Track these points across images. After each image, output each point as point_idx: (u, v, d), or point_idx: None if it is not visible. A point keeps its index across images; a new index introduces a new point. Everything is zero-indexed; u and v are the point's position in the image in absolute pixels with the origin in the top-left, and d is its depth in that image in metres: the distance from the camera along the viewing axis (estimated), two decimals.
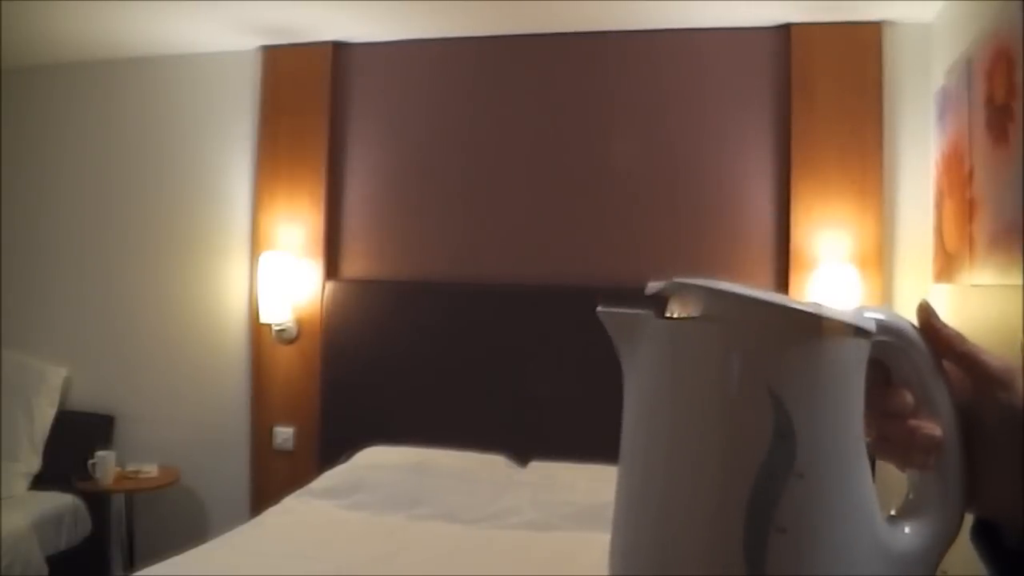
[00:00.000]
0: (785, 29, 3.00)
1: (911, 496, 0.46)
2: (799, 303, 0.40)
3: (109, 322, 3.52)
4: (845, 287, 2.77)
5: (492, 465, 2.81)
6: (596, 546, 2.51)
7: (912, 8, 2.83)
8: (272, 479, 3.20)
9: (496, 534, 2.42)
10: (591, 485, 2.62)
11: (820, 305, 0.40)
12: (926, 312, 0.46)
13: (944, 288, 2.67)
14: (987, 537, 0.46)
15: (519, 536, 2.40)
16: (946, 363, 0.46)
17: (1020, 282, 1.89)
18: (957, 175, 2.48)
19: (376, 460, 2.87)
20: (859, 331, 0.41)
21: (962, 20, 2.52)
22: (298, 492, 2.73)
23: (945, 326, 0.46)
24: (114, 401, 3.47)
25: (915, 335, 0.45)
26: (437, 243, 3.28)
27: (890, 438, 0.45)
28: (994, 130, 2.12)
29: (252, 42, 3.36)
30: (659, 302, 0.44)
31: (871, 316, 0.43)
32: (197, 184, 3.48)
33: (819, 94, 2.94)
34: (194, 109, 3.50)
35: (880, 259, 2.88)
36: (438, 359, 3.12)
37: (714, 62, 3.10)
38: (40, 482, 3.24)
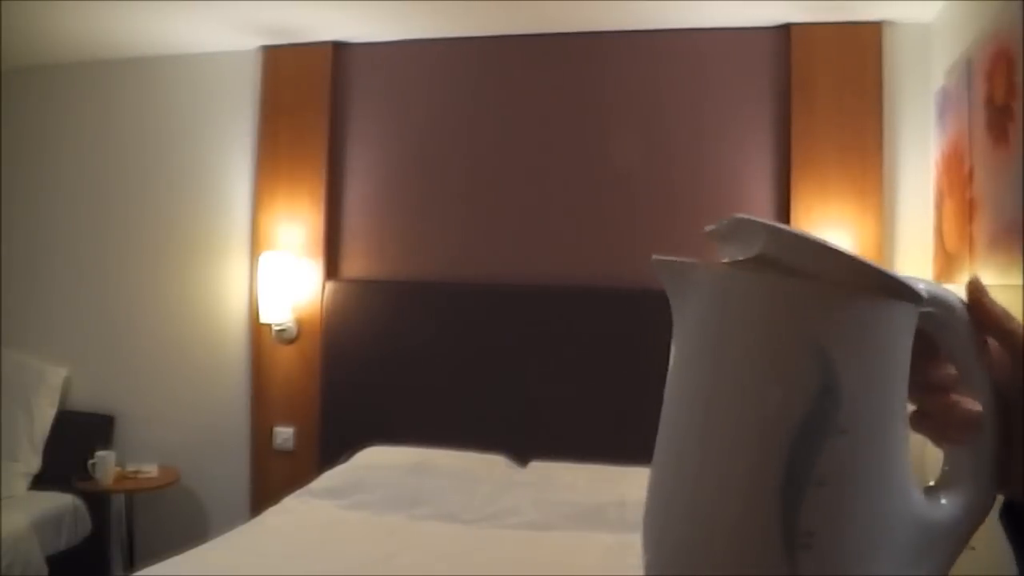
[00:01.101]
0: (785, 29, 3.00)
1: (946, 470, 0.46)
2: (859, 256, 0.39)
3: (109, 322, 3.52)
4: None
5: (492, 465, 2.81)
6: (596, 546, 2.51)
7: (912, 8, 2.83)
8: (272, 479, 3.20)
9: (496, 534, 2.42)
10: (591, 485, 2.62)
11: (876, 262, 0.40)
12: (977, 288, 0.46)
13: None
14: (1015, 518, 0.47)
15: (519, 536, 2.40)
16: (991, 342, 0.45)
17: (1020, 282, 1.89)
18: (957, 175, 2.48)
19: (376, 460, 2.87)
20: (912, 295, 0.41)
21: (962, 20, 2.52)
22: (298, 492, 2.73)
23: (994, 303, 0.45)
24: (114, 401, 3.47)
25: (963, 310, 0.45)
26: (437, 243, 3.28)
27: (929, 411, 0.46)
28: (994, 130, 2.12)
29: (252, 42, 3.36)
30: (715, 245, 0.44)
31: (921, 286, 0.43)
32: (197, 184, 3.48)
33: (819, 94, 2.94)
34: (194, 109, 3.50)
35: (880, 259, 2.87)
36: (438, 359, 3.12)
37: (714, 62, 3.10)
38: (40, 482, 3.24)
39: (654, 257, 0.44)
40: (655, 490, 0.44)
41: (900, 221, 2.93)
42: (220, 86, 3.48)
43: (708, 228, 0.44)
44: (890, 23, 2.92)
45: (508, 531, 2.44)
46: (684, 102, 3.12)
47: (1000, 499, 0.48)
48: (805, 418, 0.38)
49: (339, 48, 3.35)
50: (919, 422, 0.46)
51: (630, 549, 2.26)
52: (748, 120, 3.06)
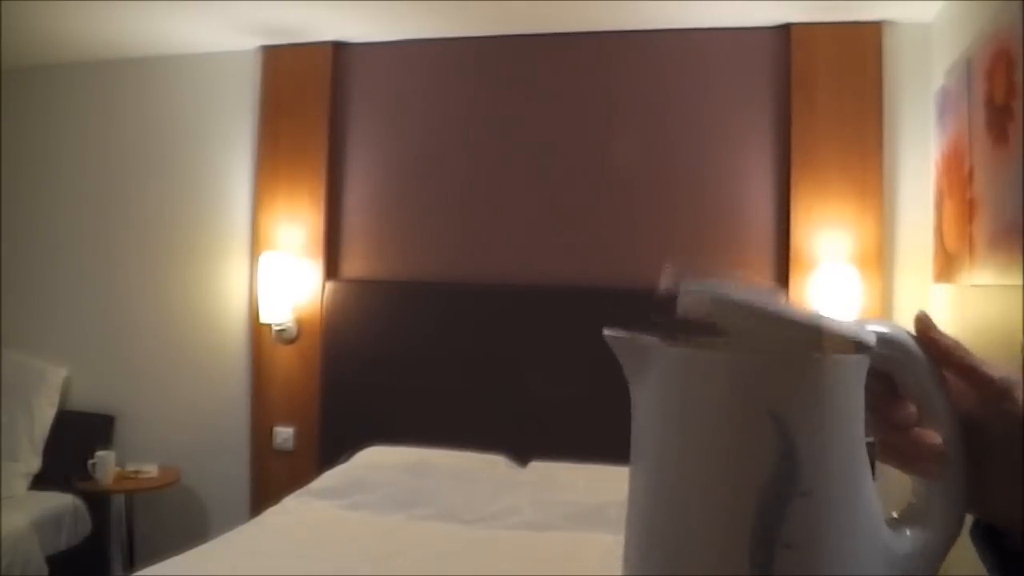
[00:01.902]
0: (785, 29, 3.00)
1: (914, 501, 0.47)
2: (802, 316, 0.41)
3: (109, 322, 3.52)
4: (845, 287, 2.77)
5: (492, 465, 2.81)
6: (596, 546, 2.51)
7: (912, 8, 2.82)
8: (272, 479, 3.20)
9: (496, 534, 2.42)
10: (591, 485, 2.62)
11: (821, 317, 0.41)
12: (924, 323, 0.47)
13: (944, 288, 2.67)
14: (987, 537, 0.47)
15: (519, 536, 2.40)
16: (946, 372, 0.46)
17: (1020, 282, 1.89)
18: (957, 175, 2.48)
19: (376, 460, 2.87)
20: (860, 346, 0.42)
21: (962, 20, 2.52)
22: (298, 492, 2.73)
23: (944, 336, 0.46)
24: (114, 401, 3.47)
25: (915, 347, 0.46)
26: (437, 243, 3.28)
27: (894, 447, 0.46)
28: (994, 130, 2.12)
29: (252, 42, 3.36)
30: (668, 302, 0.46)
31: (871, 329, 0.44)
32: (197, 184, 3.48)
33: (819, 94, 2.94)
34: (194, 109, 3.50)
35: (880, 259, 2.88)
36: (438, 359, 3.12)
37: (714, 62, 3.10)
38: (40, 482, 3.24)
39: (605, 333, 0.47)
40: (629, 552, 0.45)
41: (900, 221, 2.93)
42: (220, 86, 3.48)
43: (662, 285, 0.46)
44: (890, 23, 2.92)
45: (508, 531, 2.44)
46: (684, 102, 3.12)
47: (971, 519, 0.48)
48: (768, 484, 0.40)
49: (339, 48, 3.35)
50: (886, 456, 0.46)
51: None
52: (748, 120, 3.06)
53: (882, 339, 0.44)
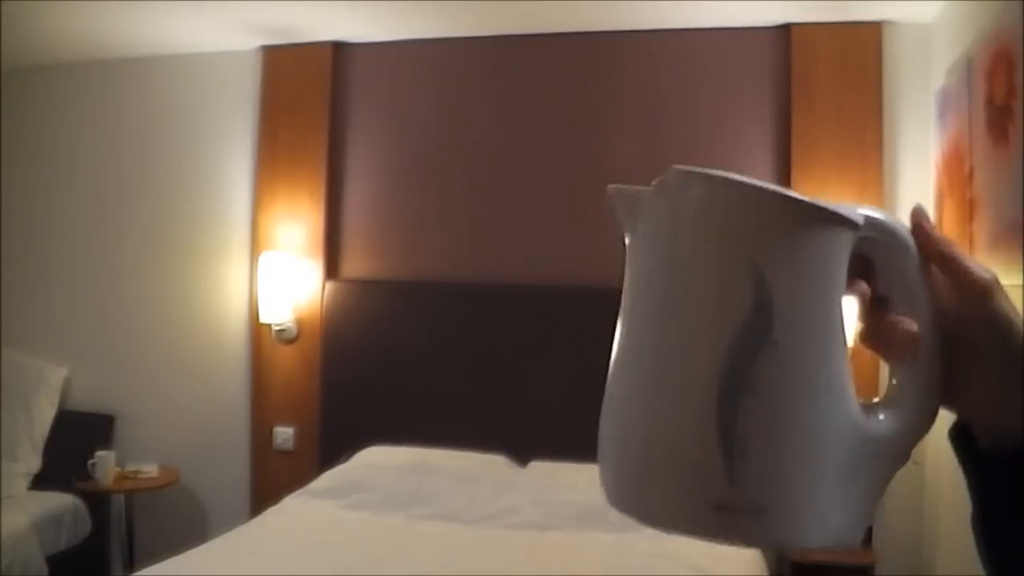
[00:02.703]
0: (785, 29, 3.00)
1: (891, 386, 0.49)
2: (790, 191, 0.42)
3: (109, 322, 3.52)
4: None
5: (492, 465, 2.81)
6: (596, 546, 2.51)
7: (912, 8, 2.82)
8: (272, 479, 3.20)
9: (496, 534, 2.42)
10: (591, 485, 2.61)
11: (812, 198, 0.43)
12: (920, 214, 0.49)
13: None
14: (964, 439, 0.49)
15: (519, 536, 2.40)
16: (933, 269, 0.48)
17: (1020, 282, 1.89)
18: (957, 175, 2.48)
19: (376, 460, 2.87)
20: (848, 223, 0.43)
21: (962, 20, 2.52)
22: (298, 492, 2.73)
23: (935, 229, 0.48)
24: (114, 401, 3.47)
25: (906, 234, 0.48)
26: (437, 243, 3.28)
27: (871, 330, 0.48)
28: (994, 130, 2.12)
29: (252, 42, 3.36)
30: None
31: (864, 212, 0.45)
32: (197, 184, 3.48)
33: (819, 94, 2.94)
34: (194, 109, 3.50)
35: None
36: (438, 359, 3.12)
37: (714, 62, 3.10)
38: (40, 482, 3.24)
39: (610, 187, 0.49)
40: (609, 399, 0.48)
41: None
42: (220, 86, 3.48)
43: (654, 183, 0.48)
44: (890, 23, 2.92)
45: (508, 531, 2.44)
46: (685, 102, 3.12)
47: (951, 420, 0.49)
48: (739, 331, 0.41)
49: (339, 48, 3.35)
50: (865, 339, 0.48)
51: (630, 549, 2.26)
52: (748, 120, 3.06)
53: (870, 222, 0.46)
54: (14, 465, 3.21)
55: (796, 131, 2.96)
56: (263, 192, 3.37)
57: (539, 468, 2.81)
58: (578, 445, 2.91)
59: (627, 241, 0.48)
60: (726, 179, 0.44)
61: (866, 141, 2.91)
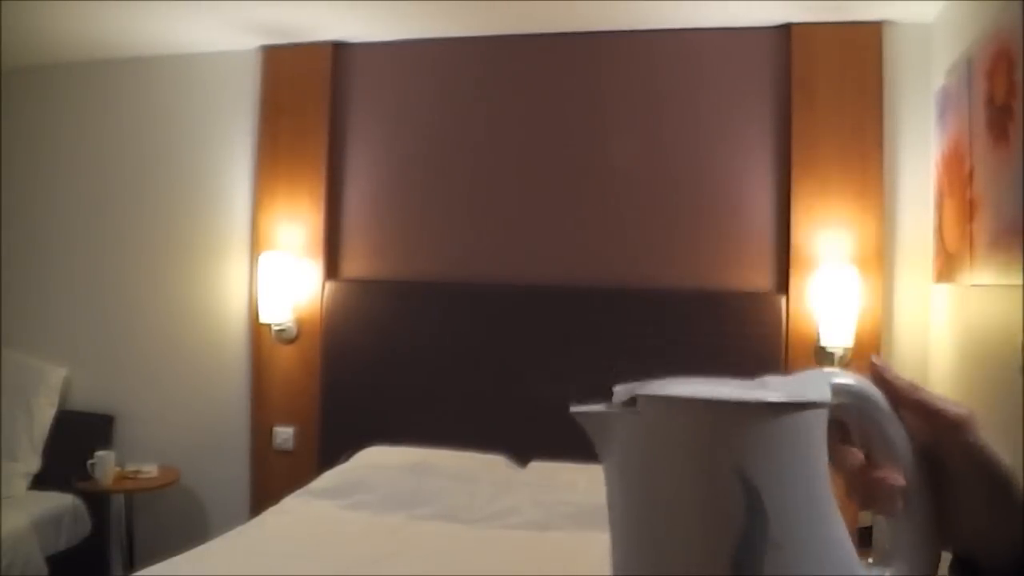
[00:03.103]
0: (785, 29, 3.00)
1: (887, 542, 0.48)
2: (751, 393, 0.42)
3: (109, 322, 3.52)
4: (845, 287, 2.77)
5: (492, 465, 2.81)
6: (596, 546, 2.51)
7: (912, 8, 2.82)
8: (272, 479, 3.20)
9: (496, 534, 2.42)
10: (591, 485, 2.62)
11: (773, 387, 0.43)
12: (877, 368, 0.49)
13: (944, 288, 2.67)
14: (965, 571, 0.48)
15: (519, 536, 2.40)
16: (904, 412, 0.48)
17: (1020, 282, 1.89)
18: (957, 175, 2.48)
19: (376, 460, 2.87)
20: (817, 404, 0.43)
21: (962, 20, 2.52)
22: (298, 492, 2.73)
23: (897, 377, 0.48)
24: (114, 401, 3.47)
25: (872, 391, 0.47)
26: (437, 243, 3.28)
27: (855, 488, 0.48)
28: (994, 130, 2.12)
29: (252, 42, 3.36)
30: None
31: (830, 381, 0.45)
32: (197, 184, 3.48)
33: (819, 94, 2.94)
34: (194, 109, 3.50)
35: (880, 259, 2.88)
36: (438, 359, 3.12)
37: (714, 62, 3.10)
38: (40, 482, 3.24)
39: (572, 409, 0.47)
40: None
41: (900, 221, 2.93)
42: (220, 86, 3.48)
43: (616, 396, 0.46)
44: (890, 23, 2.92)
45: (508, 531, 2.44)
46: (684, 102, 3.12)
47: (948, 557, 0.49)
48: (739, 539, 0.41)
49: (339, 48, 3.35)
50: (851, 496, 0.48)
51: None
52: (748, 120, 3.06)
53: (837, 390, 0.45)
54: (14, 465, 3.22)
55: (796, 131, 2.96)
56: (263, 192, 3.37)
57: (539, 468, 2.81)
58: (578, 445, 2.92)
59: (601, 456, 0.47)
60: (695, 401, 0.43)
61: (866, 141, 2.90)
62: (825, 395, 0.44)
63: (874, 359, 0.49)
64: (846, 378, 0.47)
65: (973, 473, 0.46)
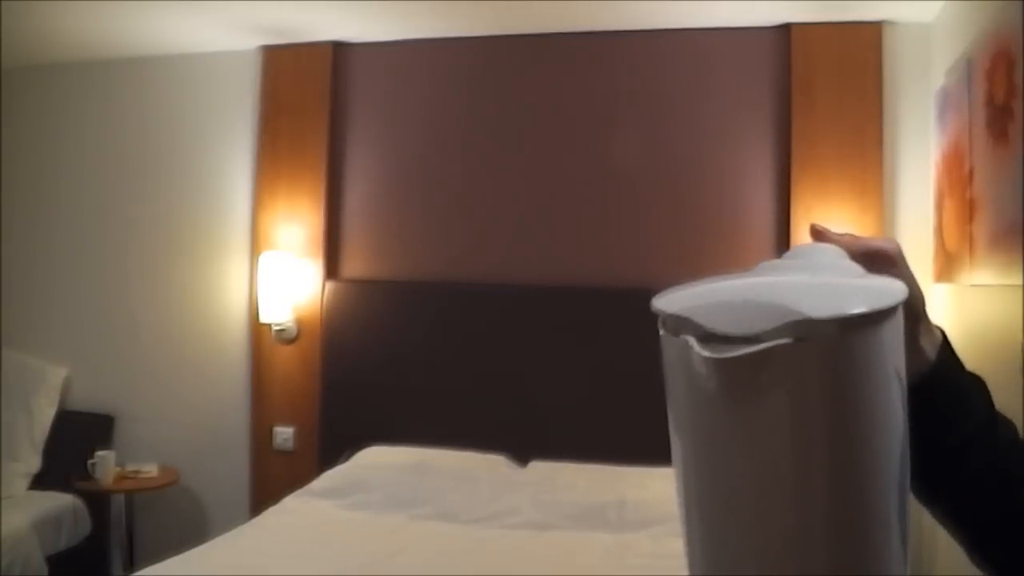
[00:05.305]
0: (785, 29, 3.00)
1: None
2: (865, 303, 0.45)
3: (109, 322, 3.52)
4: None
5: (492, 465, 2.81)
6: (596, 546, 2.51)
7: (912, 8, 2.82)
8: (272, 479, 3.20)
9: (496, 534, 2.42)
10: (591, 485, 2.62)
11: (811, 269, 0.50)
12: (820, 230, 0.61)
13: (944, 288, 2.67)
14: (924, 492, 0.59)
15: (519, 536, 2.40)
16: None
17: (1020, 282, 1.89)
18: (957, 175, 2.48)
19: (376, 460, 2.87)
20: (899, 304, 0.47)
21: (962, 20, 2.52)
22: (298, 492, 2.73)
23: (837, 233, 0.60)
24: (114, 401, 3.47)
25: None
26: (437, 243, 3.28)
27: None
28: (994, 130, 2.12)
29: (252, 42, 3.36)
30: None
31: (843, 258, 0.55)
32: (197, 184, 3.48)
33: (819, 94, 2.94)
34: (194, 109, 3.50)
35: None
36: (438, 359, 3.12)
37: (714, 62, 3.10)
38: (40, 482, 3.24)
39: (720, 356, 0.45)
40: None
41: (900, 221, 2.93)
42: (220, 86, 3.47)
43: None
44: (890, 23, 2.92)
45: (508, 531, 2.44)
46: (684, 102, 3.12)
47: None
48: (904, 437, 0.46)
49: (339, 48, 3.34)
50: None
51: (630, 549, 2.26)
52: (748, 120, 3.06)
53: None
54: (14, 465, 3.22)
55: (796, 131, 2.96)
56: (263, 192, 3.37)
57: (539, 468, 2.81)
58: (578, 445, 2.91)
59: (744, 404, 0.45)
60: (864, 315, 0.44)
61: (866, 141, 2.90)
62: (904, 290, 0.48)
63: (814, 224, 0.61)
64: (840, 253, 0.56)
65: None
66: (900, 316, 0.46)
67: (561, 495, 2.59)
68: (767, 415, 0.44)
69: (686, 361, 0.45)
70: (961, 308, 2.51)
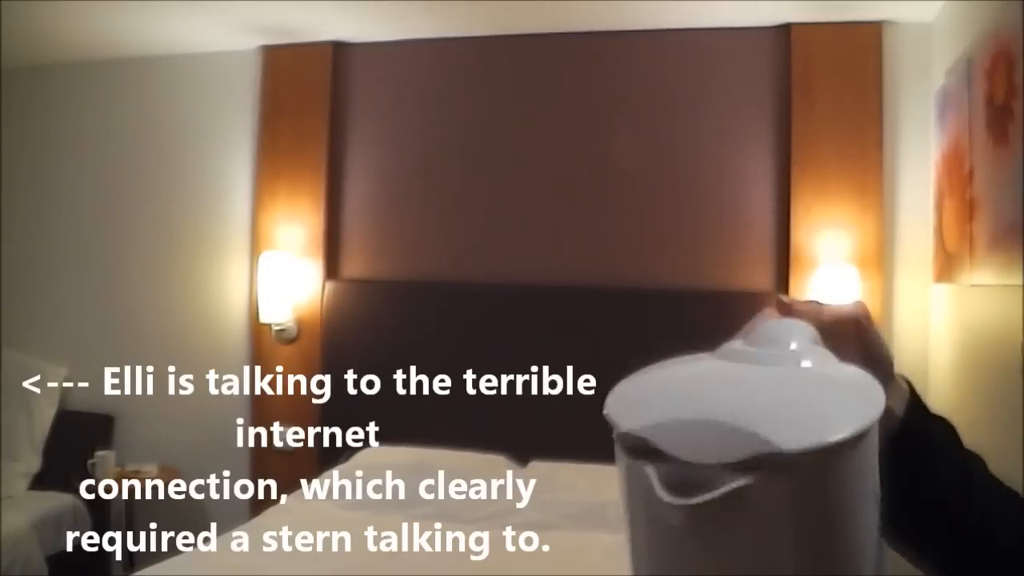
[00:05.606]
0: (785, 29, 3.00)
1: None
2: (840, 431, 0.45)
3: (109, 322, 3.52)
4: (845, 288, 2.77)
5: (492, 465, 2.81)
6: (596, 546, 2.50)
7: (912, 8, 2.82)
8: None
9: (496, 534, 2.42)
10: (591, 485, 2.62)
11: (787, 359, 0.50)
12: (786, 304, 0.63)
13: (944, 288, 2.67)
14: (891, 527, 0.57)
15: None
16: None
17: (1020, 282, 1.89)
18: (957, 175, 2.48)
19: (376, 460, 2.86)
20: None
21: (962, 20, 2.52)
22: (298, 492, 2.73)
23: (803, 304, 0.64)
24: (114, 401, 3.47)
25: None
26: (437, 243, 3.28)
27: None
28: (994, 130, 2.12)
29: (252, 42, 3.36)
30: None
31: (809, 342, 0.55)
32: (197, 184, 3.48)
33: (819, 94, 2.94)
34: (194, 109, 3.50)
35: (880, 259, 2.88)
36: (438, 359, 3.12)
37: (714, 62, 3.10)
38: (40, 482, 3.24)
39: (692, 502, 0.43)
40: None
41: (900, 221, 2.93)
42: (220, 86, 3.47)
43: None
44: (890, 23, 2.92)
45: (508, 531, 2.44)
46: (684, 101, 3.12)
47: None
48: (877, 538, 0.47)
49: (339, 48, 3.34)
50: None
51: None
52: (748, 120, 3.06)
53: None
54: (14, 465, 3.22)
55: (796, 131, 2.96)
56: (263, 192, 3.37)
57: (539, 468, 2.81)
58: (578, 445, 2.91)
59: (731, 530, 0.43)
60: (846, 442, 0.43)
61: (866, 141, 2.90)
62: (881, 395, 0.48)
63: (781, 297, 0.65)
64: (808, 332, 0.56)
65: (869, 351, 0.60)
66: (876, 428, 0.43)
67: (561, 495, 2.59)
68: (735, 546, 0.42)
69: (646, 488, 0.43)
70: (961, 308, 2.51)
